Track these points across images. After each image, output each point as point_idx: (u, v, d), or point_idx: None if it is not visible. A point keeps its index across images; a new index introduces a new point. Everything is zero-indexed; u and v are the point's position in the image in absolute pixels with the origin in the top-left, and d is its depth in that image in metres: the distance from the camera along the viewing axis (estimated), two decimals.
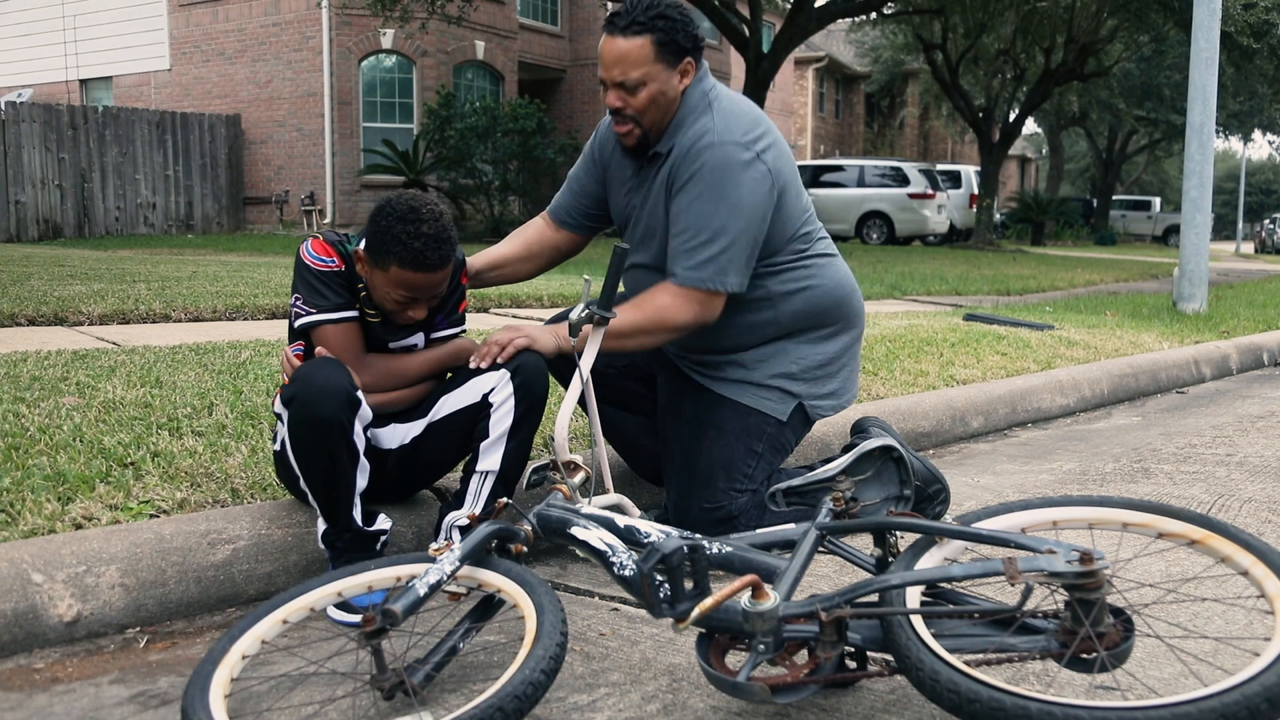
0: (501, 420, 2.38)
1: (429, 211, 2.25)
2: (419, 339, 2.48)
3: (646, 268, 2.66)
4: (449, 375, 2.53)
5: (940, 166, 27.67)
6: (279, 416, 2.27)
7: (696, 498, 2.61)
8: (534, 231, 2.90)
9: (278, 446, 2.40)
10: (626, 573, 1.87)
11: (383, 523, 2.36)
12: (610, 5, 20.55)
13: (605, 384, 2.81)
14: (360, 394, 2.22)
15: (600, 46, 2.50)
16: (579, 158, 2.85)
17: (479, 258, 2.81)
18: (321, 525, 2.31)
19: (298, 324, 2.37)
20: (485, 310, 7.10)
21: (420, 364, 2.48)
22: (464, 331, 2.57)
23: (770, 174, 2.51)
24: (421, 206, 2.25)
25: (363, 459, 2.27)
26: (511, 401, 2.38)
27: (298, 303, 2.37)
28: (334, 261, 2.37)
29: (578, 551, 1.99)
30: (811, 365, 2.69)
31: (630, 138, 2.56)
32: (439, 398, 2.45)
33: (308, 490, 2.26)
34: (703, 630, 1.80)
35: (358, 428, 2.23)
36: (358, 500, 2.29)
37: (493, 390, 2.39)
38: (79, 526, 2.31)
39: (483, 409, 2.39)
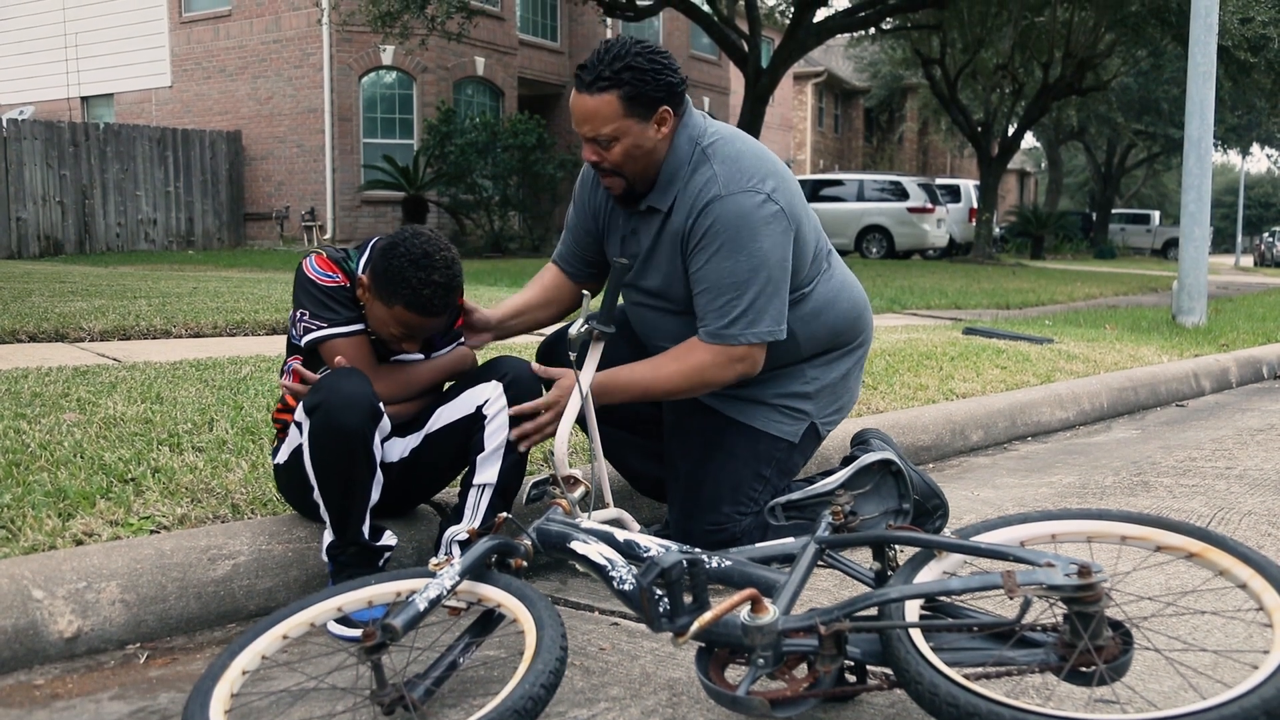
0: (497, 433, 2.39)
1: (442, 259, 2.26)
2: (418, 356, 2.50)
3: (666, 312, 2.59)
4: (446, 387, 2.54)
5: (939, 181, 27.73)
6: (298, 425, 2.27)
7: (700, 520, 2.59)
8: (550, 277, 2.84)
9: (281, 460, 2.41)
10: (626, 587, 1.87)
11: (389, 539, 2.36)
12: (609, 20, 20.64)
13: (608, 404, 2.75)
14: (381, 405, 2.23)
15: (570, 102, 2.44)
16: (570, 204, 2.80)
17: (501, 308, 2.75)
18: (328, 537, 2.31)
19: (306, 339, 2.37)
20: None
21: (430, 371, 2.49)
22: (464, 343, 2.59)
23: (784, 213, 2.45)
24: (435, 252, 2.26)
25: (378, 472, 2.28)
26: (506, 414, 2.38)
27: (304, 318, 2.37)
28: (338, 277, 2.38)
29: (577, 566, 1.99)
30: (826, 385, 2.66)
31: (616, 189, 2.51)
32: (434, 409, 2.46)
33: (321, 500, 2.26)
34: (702, 644, 1.80)
35: (377, 439, 2.24)
36: (368, 514, 2.29)
37: (487, 402, 2.40)
38: (79, 542, 2.32)
39: (477, 421, 2.40)
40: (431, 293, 2.25)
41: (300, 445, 2.26)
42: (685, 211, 2.46)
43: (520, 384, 2.41)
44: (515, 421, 2.41)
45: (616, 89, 2.37)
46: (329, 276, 2.38)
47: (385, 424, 2.26)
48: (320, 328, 2.36)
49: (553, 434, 2.40)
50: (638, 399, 2.51)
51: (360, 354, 2.37)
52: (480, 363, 2.56)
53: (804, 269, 2.57)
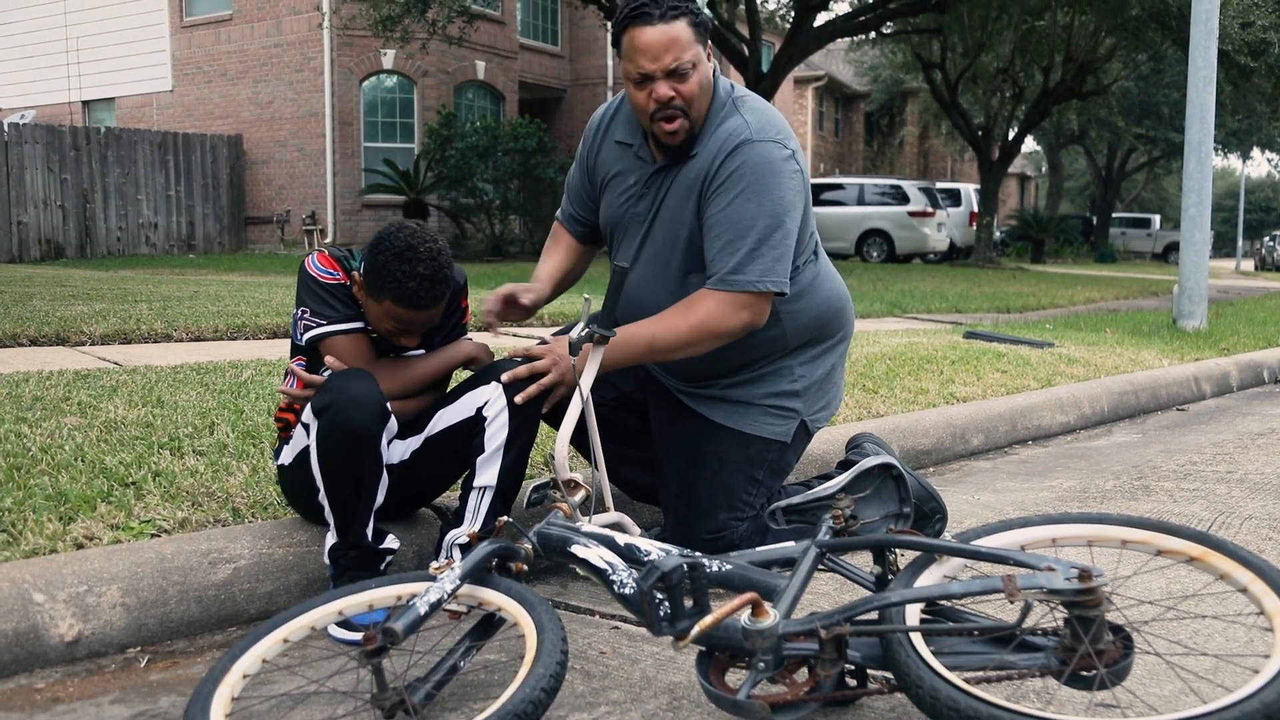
0: (496, 434, 2.39)
1: (426, 250, 2.26)
2: (419, 352, 2.50)
3: (669, 274, 2.56)
4: (450, 388, 2.54)
5: (940, 184, 27.73)
6: (305, 426, 2.27)
7: (697, 527, 2.58)
8: (564, 237, 2.85)
9: (285, 460, 2.41)
10: (626, 591, 1.87)
11: (391, 542, 2.36)
12: (610, 24, 20.67)
13: (597, 418, 2.68)
14: (388, 405, 2.23)
15: (635, 41, 2.36)
16: (572, 165, 2.79)
17: (545, 282, 2.74)
18: (330, 539, 2.31)
19: (306, 337, 2.38)
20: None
21: (433, 366, 2.49)
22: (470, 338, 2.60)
23: (801, 173, 2.47)
24: (420, 245, 2.26)
25: (384, 474, 2.28)
26: (505, 415, 2.38)
27: (305, 315, 2.38)
28: (339, 275, 2.39)
29: (578, 570, 1.99)
30: (813, 382, 2.66)
31: (679, 135, 2.44)
32: (435, 412, 2.46)
33: (326, 502, 2.26)
34: (703, 648, 1.80)
35: (384, 440, 2.24)
36: (372, 516, 2.30)
37: (486, 404, 2.40)
38: (80, 546, 2.32)
39: (477, 423, 2.40)
40: (417, 285, 2.25)
41: (307, 446, 2.26)
42: (711, 154, 2.44)
43: (521, 386, 2.41)
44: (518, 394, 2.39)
45: (686, 16, 2.37)
46: (330, 274, 2.38)
47: (393, 424, 2.27)
48: (319, 325, 2.36)
49: (551, 381, 2.39)
50: (644, 355, 2.45)
51: (359, 351, 2.38)
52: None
53: (802, 243, 2.57)
